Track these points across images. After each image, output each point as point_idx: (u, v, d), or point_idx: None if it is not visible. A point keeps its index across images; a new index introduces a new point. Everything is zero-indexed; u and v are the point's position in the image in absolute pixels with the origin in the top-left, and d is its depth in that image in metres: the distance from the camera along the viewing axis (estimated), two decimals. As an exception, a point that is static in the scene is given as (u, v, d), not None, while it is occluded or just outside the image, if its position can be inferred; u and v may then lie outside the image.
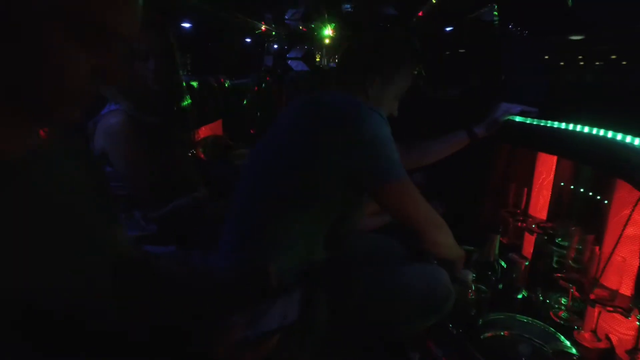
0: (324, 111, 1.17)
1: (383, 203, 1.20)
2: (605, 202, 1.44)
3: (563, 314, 1.36)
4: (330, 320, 1.02)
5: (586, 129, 1.29)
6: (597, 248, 1.24)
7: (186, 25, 2.76)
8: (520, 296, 1.55)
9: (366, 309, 1.17)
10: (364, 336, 1.23)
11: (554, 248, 1.53)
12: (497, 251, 1.60)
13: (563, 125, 1.37)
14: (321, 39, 5.97)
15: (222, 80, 3.49)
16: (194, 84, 2.92)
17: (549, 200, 1.75)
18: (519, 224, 1.79)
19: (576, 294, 1.25)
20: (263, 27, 4.07)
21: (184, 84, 2.79)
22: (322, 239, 1.24)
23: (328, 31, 5.65)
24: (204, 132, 3.57)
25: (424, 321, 1.23)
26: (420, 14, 2.96)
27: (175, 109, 1.62)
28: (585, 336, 1.22)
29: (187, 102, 1.73)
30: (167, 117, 1.58)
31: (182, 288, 0.84)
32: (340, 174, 1.12)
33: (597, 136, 1.23)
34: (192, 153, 3.33)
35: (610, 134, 1.18)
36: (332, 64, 8.51)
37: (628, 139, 1.11)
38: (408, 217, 1.18)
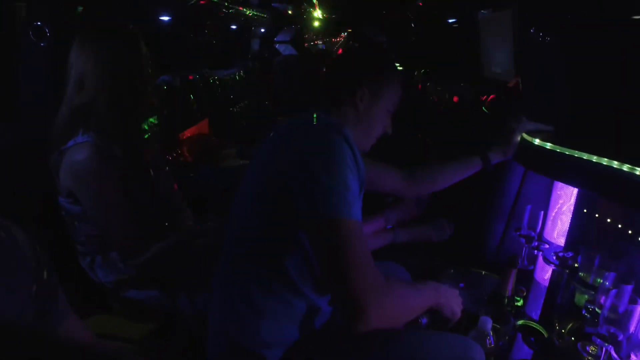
0: (292, 147, 1.04)
1: (314, 242, 0.96)
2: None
3: (592, 367, 1.23)
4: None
5: (605, 162, 1.13)
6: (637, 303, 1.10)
7: (165, 18, 2.49)
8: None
9: None
10: None
11: (578, 285, 1.40)
12: (513, 285, 1.48)
13: (585, 156, 1.20)
14: (310, 20, 5.68)
15: (205, 75, 3.24)
16: (176, 83, 2.67)
17: (568, 226, 1.61)
18: (534, 250, 1.66)
19: (613, 354, 1.11)
20: (248, 13, 3.79)
21: (164, 86, 2.57)
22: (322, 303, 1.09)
23: (317, 13, 5.37)
24: (189, 132, 3.35)
25: None
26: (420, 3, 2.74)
27: (138, 133, 1.42)
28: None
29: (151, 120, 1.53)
30: (132, 144, 1.38)
31: None
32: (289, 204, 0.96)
33: (621, 170, 1.08)
34: (177, 153, 3.13)
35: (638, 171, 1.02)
36: (321, 45, 8.21)
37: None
38: (337, 270, 0.91)
